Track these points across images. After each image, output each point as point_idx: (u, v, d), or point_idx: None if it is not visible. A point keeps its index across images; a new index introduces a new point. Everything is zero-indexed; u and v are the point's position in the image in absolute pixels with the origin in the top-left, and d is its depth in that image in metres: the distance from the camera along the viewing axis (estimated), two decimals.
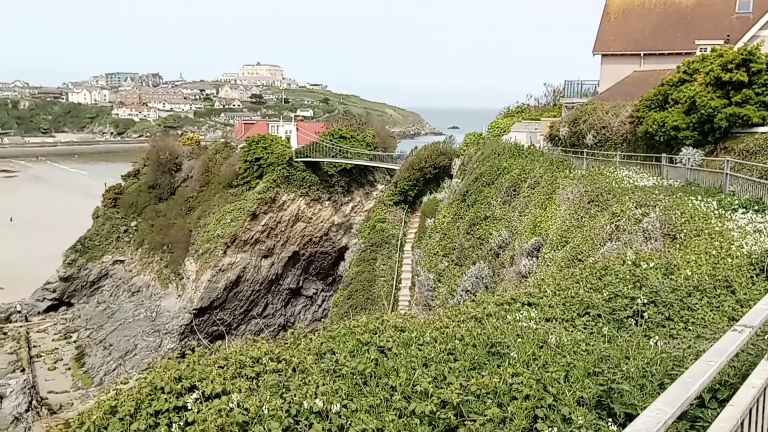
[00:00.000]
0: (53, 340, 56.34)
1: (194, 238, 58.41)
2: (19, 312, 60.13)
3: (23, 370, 48.23)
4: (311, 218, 61.15)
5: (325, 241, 62.54)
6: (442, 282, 32.25)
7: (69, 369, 51.39)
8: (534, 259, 22.38)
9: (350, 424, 4.44)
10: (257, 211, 57.55)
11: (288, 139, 67.46)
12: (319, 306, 62.86)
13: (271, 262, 59.37)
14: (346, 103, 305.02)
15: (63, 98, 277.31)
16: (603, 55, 38.71)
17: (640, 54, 37.43)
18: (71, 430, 5.02)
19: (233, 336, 52.66)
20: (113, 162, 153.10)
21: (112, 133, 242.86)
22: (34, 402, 43.43)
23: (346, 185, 62.84)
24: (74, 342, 55.53)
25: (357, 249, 45.72)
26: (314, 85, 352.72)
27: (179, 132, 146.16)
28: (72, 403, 45.89)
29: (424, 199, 44.93)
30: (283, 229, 59.60)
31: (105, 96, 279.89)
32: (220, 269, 55.80)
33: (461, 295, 27.49)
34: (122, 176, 70.02)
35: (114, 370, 50.72)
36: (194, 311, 54.52)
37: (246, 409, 4.61)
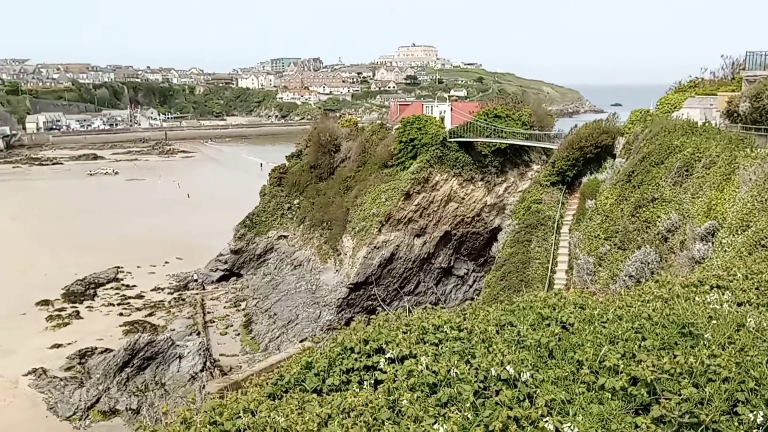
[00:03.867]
0: (224, 307, 60.86)
1: (351, 216, 60.44)
2: (196, 281, 65.62)
3: (198, 334, 52.54)
4: (464, 198, 61.06)
5: (477, 221, 62.21)
6: (602, 266, 31.07)
7: (238, 335, 55.23)
8: (708, 243, 20.94)
9: (538, 394, 4.46)
10: (411, 191, 58.35)
11: (442, 119, 67.64)
12: (470, 286, 62.78)
13: (424, 241, 60.11)
14: (500, 82, 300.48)
15: (233, 84, 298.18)
16: None
17: None
18: (272, 381, 5.46)
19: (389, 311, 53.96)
20: (277, 143, 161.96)
21: (276, 116, 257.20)
22: (208, 363, 47.10)
23: (499, 165, 61.89)
24: (243, 310, 59.66)
25: (511, 230, 44.96)
26: (468, 64, 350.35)
27: (338, 114, 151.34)
28: (240, 366, 49.34)
29: (584, 179, 43.29)
30: (435, 209, 60.04)
31: (270, 81, 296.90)
32: (375, 246, 57.37)
33: (624, 281, 26.35)
34: (286, 157, 73.82)
35: (278, 337, 53.90)
36: (351, 286, 56.60)
37: (434, 372, 4.78)
